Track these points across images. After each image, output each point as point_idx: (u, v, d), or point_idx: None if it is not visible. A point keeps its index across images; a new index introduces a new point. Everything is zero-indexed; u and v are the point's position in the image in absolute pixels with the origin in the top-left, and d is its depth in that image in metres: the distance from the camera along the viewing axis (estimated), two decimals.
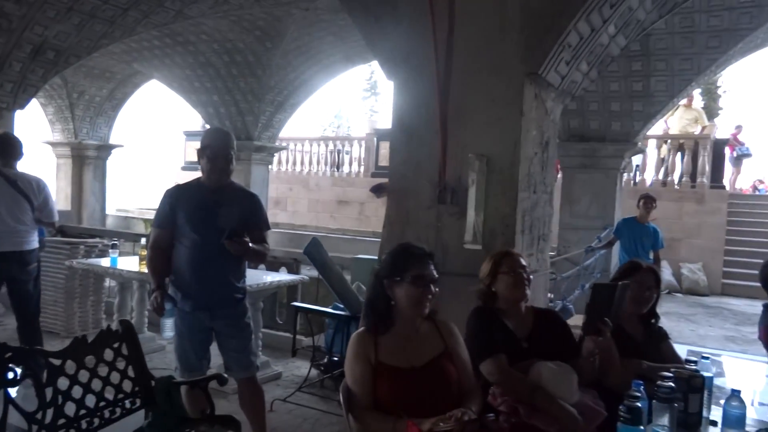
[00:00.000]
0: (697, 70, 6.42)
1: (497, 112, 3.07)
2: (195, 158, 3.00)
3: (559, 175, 7.70)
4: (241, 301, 2.96)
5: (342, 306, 4.30)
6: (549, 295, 4.84)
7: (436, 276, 2.08)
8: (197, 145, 2.94)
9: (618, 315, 2.34)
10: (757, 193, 14.77)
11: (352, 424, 2.03)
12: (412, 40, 3.23)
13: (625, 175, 10.44)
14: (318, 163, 14.90)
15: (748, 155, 12.37)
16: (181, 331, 2.84)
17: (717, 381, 3.46)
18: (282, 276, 4.99)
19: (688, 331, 7.13)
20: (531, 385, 2.08)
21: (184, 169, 14.28)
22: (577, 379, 2.10)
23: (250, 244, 2.75)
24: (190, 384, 2.51)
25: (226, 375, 2.56)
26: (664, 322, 7.77)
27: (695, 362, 2.10)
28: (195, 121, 14.39)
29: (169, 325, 2.82)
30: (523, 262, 2.39)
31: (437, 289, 2.08)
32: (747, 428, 1.81)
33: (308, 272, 5.44)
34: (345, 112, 20.46)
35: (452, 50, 3.13)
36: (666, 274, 9.81)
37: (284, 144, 12.81)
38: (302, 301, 5.11)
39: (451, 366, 2.06)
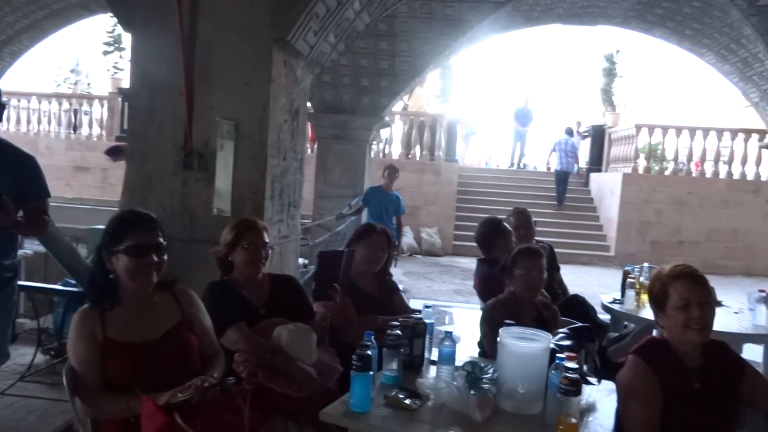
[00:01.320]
0: (434, 53, 7.13)
1: (246, 76, 3.01)
2: None
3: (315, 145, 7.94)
4: (11, 281, 2.50)
5: (74, 282, 3.87)
6: (302, 260, 5.00)
7: (162, 243, 1.95)
8: None
9: (347, 278, 2.51)
10: (485, 166, 17.13)
11: (79, 408, 1.85)
12: None
13: (375, 147, 11.24)
14: (50, 123, 13.02)
15: (474, 133, 14.27)
16: None
17: (447, 327, 3.98)
18: None
19: (425, 287, 8.02)
20: (272, 349, 2.13)
21: None
22: (315, 339, 2.22)
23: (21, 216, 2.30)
24: None
25: None
26: (406, 281, 8.56)
27: (419, 311, 2.36)
28: None
29: None
30: (266, 238, 2.40)
31: (164, 258, 1.95)
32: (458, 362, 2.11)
33: (35, 246, 4.78)
34: (84, 67, 18.09)
35: (198, 6, 2.97)
36: (408, 237, 10.86)
37: (4, 99, 10.88)
38: (30, 279, 4.46)
39: (191, 335, 2.00)
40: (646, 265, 4.46)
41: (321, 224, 6.86)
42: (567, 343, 2.13)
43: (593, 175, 12.90)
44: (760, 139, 10.20)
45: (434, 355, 2.35)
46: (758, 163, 10.95)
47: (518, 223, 4.13)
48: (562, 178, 12.31)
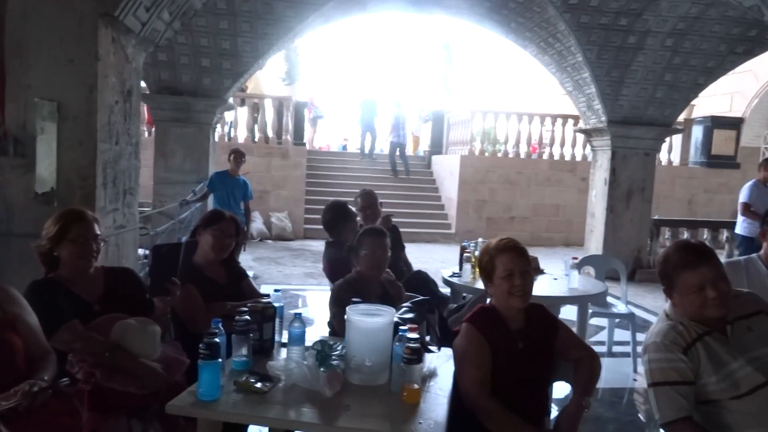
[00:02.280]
0: (277, 36, 7.02)
1: (68, 53, 2.76)
2: None
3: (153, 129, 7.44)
4: None
5: None
6: (143, 251, 4.71)
7: None
8: None
9: (191, 268, 2.44)
10: (339, 150, 17.28)
11: None
12: None
13: (219, 130, 10.83)
14: None
15: (321, 117, 14.34)
16: None
17: (299, 310, 4.00)
18: None
19: (276, 272, 7.97)
20: (110, 346, 2.01)
21: None
22: (159, 333, 2.13)
23: None
24: None
25: None
26: (257, 266, 8.41)
27: (268, 295, 2.37)
28: None
29: None
30: (97, 230, 2.24)
31: None
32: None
33: None
34: None
35: None
36: (258, 223, 10.68)
37: None
38: None
39: (15, 336, 1.83)
40: (480, 240, 4.84)
41: (163, 212, 6.49)
42: (410, 316, 2.27)
43: (434, 158, 13.62)
44: (575, 124, 11.44)
45: (285, 337, 2.37)
46: (574, 145, 12.31)
47: (364, 204, 4.26)
48: (394, 149, 13.15)
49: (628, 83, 7.78)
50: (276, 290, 2.49)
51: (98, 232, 2.23)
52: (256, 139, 11.48)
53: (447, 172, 12.53)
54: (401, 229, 4.61)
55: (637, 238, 8.57)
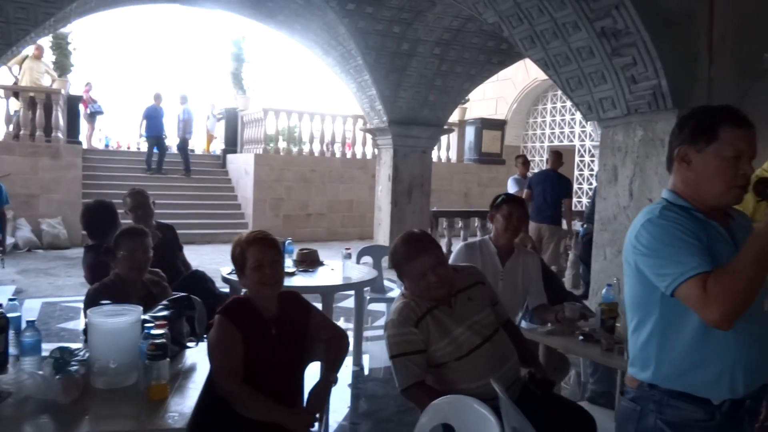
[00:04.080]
0: (34, 22, 6.30)
1: None
2: None
3: None
4: None
5: None
6: None
7: None
8: None
9: None
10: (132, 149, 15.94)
11: None
12: None
13: None
14: None
15: (101, 112, 13.17)
16: None
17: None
18: None
19: (46, 284, 7.17)
20: None
21: None
22: None
23: None
24: None
25: None
26: (22, 279, 7.52)
27: (1, 305, 2.16)
28: None
29: None
30: None
31: None
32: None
33: None
34: None
35: None
36: (24, 231, 9.50)
37: None
38: None
39: None
40: (289, 239, 4.89)
41: None
42: (164, 313, 2.25)
43: (230, 156, 13.34)
44: (364, 124, 12.06)
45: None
46: (364, 143, 12.97)
47: (134, 204, 4.05)
48: (183, 145, 12.84)
49: (404, 86, 8.43)
50: (11, 299, 2.29)
51: None
52: (18, 137, 10.13)
53: (242, 170, 12.36)
54: (195, 231, 4.50)
55: (419, 228, 9.34)
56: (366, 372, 4.49)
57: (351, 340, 4.86)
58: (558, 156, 7.68)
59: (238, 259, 2.21)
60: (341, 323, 5.82)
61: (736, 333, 1.42)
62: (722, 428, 1.47)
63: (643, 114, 4.55)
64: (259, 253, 2.18)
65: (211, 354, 2.10)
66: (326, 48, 8.28)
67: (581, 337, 2.70)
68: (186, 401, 1.90)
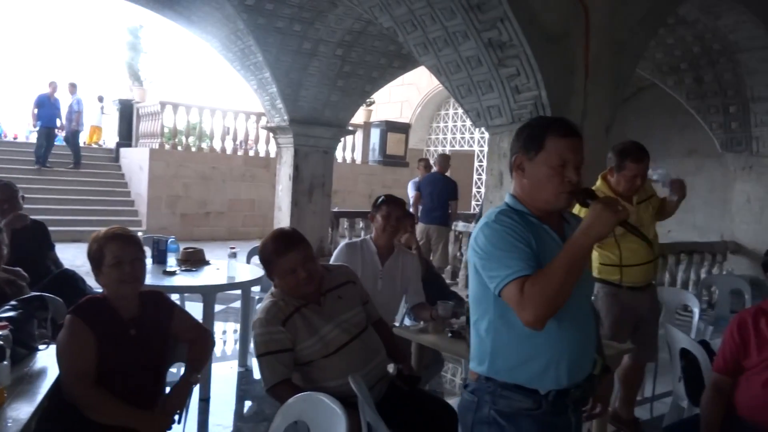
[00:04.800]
0: None
1: None
2: None
3: None
4: None
5: None
6: None
7: None
8: None
9: None
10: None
11: None
12: None
13: None
14: None
15: None
16: None
17: None
18: None
19: None
20: None
21: None
22: None
23: None
24: None
25: None
26: None
27: None
28: None
29: None
30: None
31: None
32: None
33: None
34: None
35: None
36: None
37: None
38: None
39: None
40: (172, 238, 4.70)
41: None
42: (10, 314, 2.11)
43: (123, 151, 12.69)
44: (266, 121, 11.88)
45: None
46: (267, 141, 12.76)
47: (1, 198, 3.81)
48: (74, 137, 12.17)
49: (306, 86, 8.38)
50: None
51: None
52: None
53: (137, 166, 11.79)
54: (83, 228, 4.24)
55: (320, 229, 9.31)
56: (253, 373, 4.43)
57: (237, 340, 4.79)
58: (446, 159, 7.97)
59: (94, 256, 2.11)
60: (231, 324, 5.71)
61: (561, 330, 1.54)
62: (548, 415, 1.58)
63: None
64: (118, 250, 2.09)
65: (61, 356, 1.99)
66: (226, 43, 8.08)
67: (450, 334, 2.80)
68: (24, 407, 1.78)
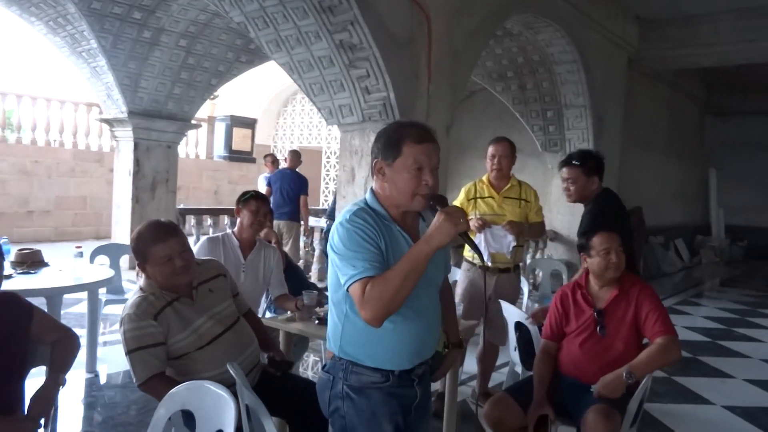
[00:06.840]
0: None
1: None
2: None
3: None
4: None
5: None
6: None
7: None
8: None
9: None
10: None
11: None
12: None
13: None
14: None
15: None
16: None
17: None
18: None
19: None
20: None
21: None
22: None
23: None
24: None
25: None
26: None
27: None
28: None
29: None
30: None
31: None
32: None
33: None
34: None
35: None
36: None
37: None
38: None
39: None
40: (5, 238, 4.24)
41: None
42: None
43: None
44: (100, 113, 11.03)
45: None
46: (100, 134, 11.83)
47: None
48: None
49: (146, 76, 7.97)
50: None
51: None
52: None
53: None
54: None
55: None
56: (102, 379, 4.20)
57: (84, 345, 4.51)
58: (296, 155, 8.10)
59: None
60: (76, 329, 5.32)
61: (406, 322, 1.71)
62: (396, 387, 1.76)
63: (376, 122, 5.09)
64: None
65: None
66: (52, 26, 7.40)
67: (317, 321, 2.96)
68: None
